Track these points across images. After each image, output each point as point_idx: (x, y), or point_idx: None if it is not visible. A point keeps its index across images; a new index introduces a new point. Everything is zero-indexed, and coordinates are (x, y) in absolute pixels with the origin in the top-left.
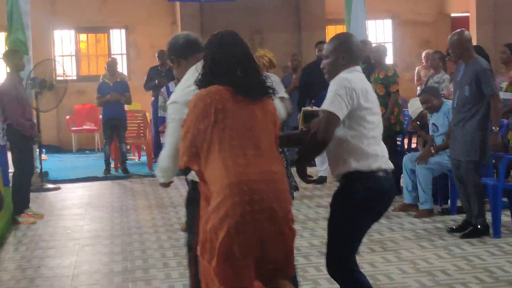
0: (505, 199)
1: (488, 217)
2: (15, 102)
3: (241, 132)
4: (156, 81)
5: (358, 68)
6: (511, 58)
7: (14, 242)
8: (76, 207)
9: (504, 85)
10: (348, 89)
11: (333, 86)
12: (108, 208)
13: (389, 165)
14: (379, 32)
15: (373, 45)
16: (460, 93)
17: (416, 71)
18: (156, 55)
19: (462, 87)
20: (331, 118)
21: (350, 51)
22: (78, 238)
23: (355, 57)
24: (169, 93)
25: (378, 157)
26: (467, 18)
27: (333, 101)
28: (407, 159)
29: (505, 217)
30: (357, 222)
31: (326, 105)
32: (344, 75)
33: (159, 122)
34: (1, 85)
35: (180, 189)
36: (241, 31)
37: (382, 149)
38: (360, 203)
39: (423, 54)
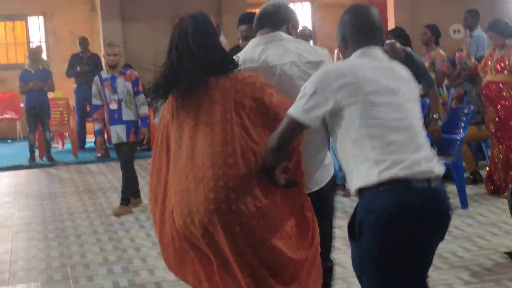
0: None
1: None
2: None
3: (183, 157)
4: (78, 68)
5: (368, 50)
6: (432, 39)
7: None
8: (4, 196)
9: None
10: (322, 85)
11: (307, 81)
12: (37, 195)
13: (422, 169)
14: (299, 16)
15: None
16: None
17: (335, 54)
18: (78, 42)
19: None
20: (289, 123)
21: (350, 30)
22: (10, 226)
23: (360, 36)
24: (101, 81)
25: (395, 162)
26: (384, 0)
27: (298, 101)
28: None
29: None
30: (376, 256)
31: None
32: (329, 66)
33: (93, 109)
34: None
35: (107, 175)
36: (160, 17)
37: (405, 150)
38: (370, 229)
39: None
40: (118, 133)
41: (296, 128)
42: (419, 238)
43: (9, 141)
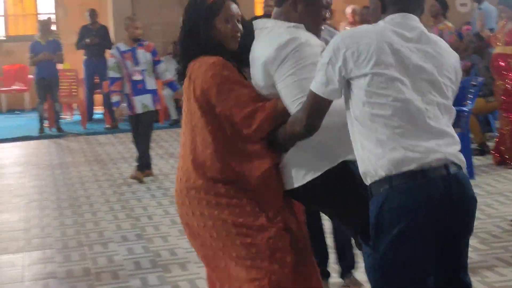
0: None
1: None
2: None
3: None
4: (88, 40)
5: (402, 16)
6: (440, 11)
7: None
8: (15, 165)
9: None
10: (335, 53)
11: (326, 48)
12: (48, 165)
13: (437, 156)
14: None
15: None
16: None
17: (341, 28)
18: (87, 14)
19: None
20: (312, 100)
21: None
22: (23, 195)
23: (394, 1)
24: (121, 53)
25: (404, 147)
26: None
27: (317, 74)
28: None
29: None
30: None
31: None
32: (347, 30)
33: (111, 81)
34: None
35: (117, 146)
36: None
37: (416, 136)
38: (387, 231)
39: (348, 10)
40: (143, 102)
41: (321, 102)
42: (447, 231)
43: (17, 112)
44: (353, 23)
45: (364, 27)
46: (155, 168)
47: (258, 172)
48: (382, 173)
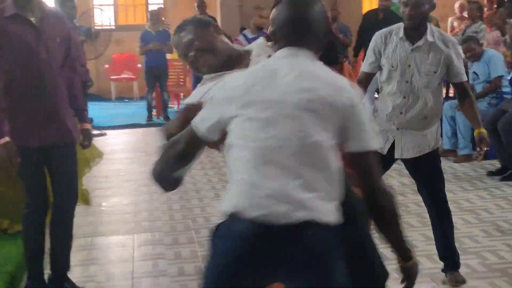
0: None
1: None
2: None
3: None
4: None
5: (282, 52)
6: None
7: None
8: (124, 152)
9: None
10: (217, 94)
11: None
12: (156, 152)
13: (274, 209)
14: None
15: None
16: None
17: (449, 22)
18: (196, 4)
19: None
20: (188, 131)
21: (275, 19)
22: (132, 180)
23: (283, 31)
24: (248, 40)
25: (245, 191)
26: None
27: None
28: (447, 106)
29: None
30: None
31: None
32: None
33: None
34: None
35: None
36: None
37: (265, 179)
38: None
39: (456, 5)
40: None
41: (193, 138)
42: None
43: (125, 100)
44: (461, 18)
45: (242, 72)
46: None
47: None
48: (227, 210)
